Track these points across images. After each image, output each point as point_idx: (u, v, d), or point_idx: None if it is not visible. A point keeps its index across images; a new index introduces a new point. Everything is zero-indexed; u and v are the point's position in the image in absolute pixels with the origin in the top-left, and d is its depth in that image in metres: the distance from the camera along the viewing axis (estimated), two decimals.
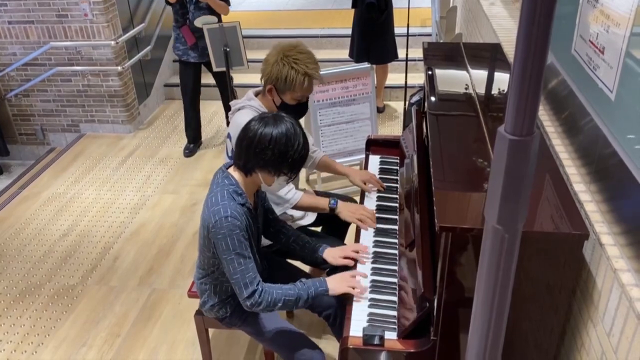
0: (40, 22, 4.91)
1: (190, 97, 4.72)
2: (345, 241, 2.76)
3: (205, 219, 1.90)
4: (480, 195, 1.63)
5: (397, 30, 4.90)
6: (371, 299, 1.93)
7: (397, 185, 2.56)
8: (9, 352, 2.92)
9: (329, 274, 2.49)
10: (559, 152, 1.86)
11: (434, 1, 5.79)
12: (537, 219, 1.51)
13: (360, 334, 1.73)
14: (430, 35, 5.98)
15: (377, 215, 2.35)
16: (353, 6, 4.80)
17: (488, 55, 2.71)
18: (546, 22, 0.66)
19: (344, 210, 2.36)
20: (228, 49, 3.98)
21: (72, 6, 4.81)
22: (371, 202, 2.47)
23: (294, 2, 7.69)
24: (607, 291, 1.39)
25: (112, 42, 4.91)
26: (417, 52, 4.39)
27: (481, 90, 2.24)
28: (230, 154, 2.37)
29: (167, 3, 4.33)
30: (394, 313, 1.85)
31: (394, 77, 5.38)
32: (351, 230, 2.68)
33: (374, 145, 2.86)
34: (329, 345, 2.27)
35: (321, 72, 2.32)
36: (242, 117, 2.29)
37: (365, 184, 2.55)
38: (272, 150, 1.81)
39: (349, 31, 4.97)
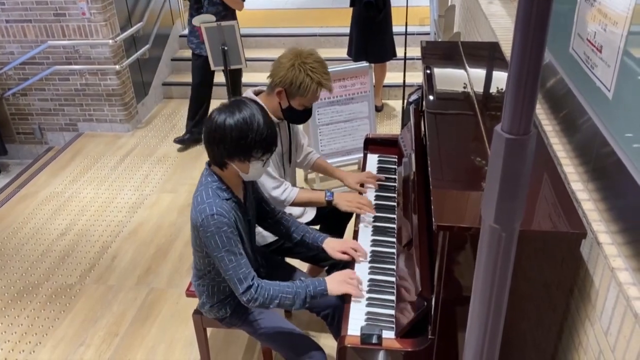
0: (38, 21, 4.90)
1: (197, 89, 4.77)
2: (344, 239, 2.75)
3: (193, 219, 1.90)
4: (478, 194, 1.63)
5: (395, 29, 4.90)
6: (369, 298, 1.93)
7: (395, 184, 2.56)
8: (6, 351, 2.91)
9: (328, 273, 2.50)
10: (556, 150, 1.86)
11: (433, 0, 5.79)
12: (535, 217, 1.51)
13: (358, 333, 1.73)
14: (428, 34, 5.98)
15: (375, 214, 2.35)
16: (351, 5, 4.80)
17: (486, 54, 2.71)
18: (542, 21, 0.66)
19: (341, 201, 2.37)
20: (226, 48, 3.97)
21: (69, 5, 4.80)
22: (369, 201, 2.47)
23: (292, 0, 7.68)
24: (605, 290, 1.39)
25: (110, 41, 4.90)
26: (415, 51, 4.39)
27: (479, 89, 2.24)
28: None
29: None
30: (392, 312, 1.85)
31: (392, 76, 5.38)
32: (349, 229, 2.69)
33: (372, 144, 2.86)
34: (327, 345, 2.28)
35: None
36: None
37: (362, 186, 2.55)
38: (231, 137, 1.79)
39: (348, 30, 4.97)
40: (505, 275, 0.83)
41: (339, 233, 2.76)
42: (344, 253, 2.13)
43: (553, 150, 1.88)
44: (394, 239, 2.21)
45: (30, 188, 4.49)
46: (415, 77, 5.25)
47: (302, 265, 2.63)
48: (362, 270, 2.07)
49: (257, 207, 2.18)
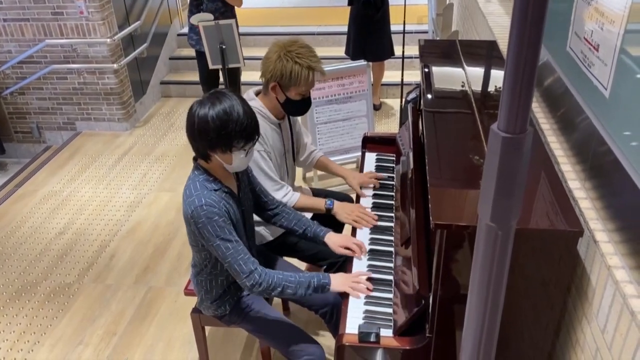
0: (36, 20, 4.89)
1: (206, 84, 4.79)
2: None
3: (184, 213, 1.92)
4: (475, 193, 1.64)
5: (393, 28, 4.90)
6: (367, 297, 1.93)
7: (393, 183, 2.56)
8: (5, 350, 2.91)
9: (326, 271, 2.50)
10: (554, 149, 1.87)
11: None
12: (532, 215, 1.52)
13: (356, 331, 1.74)
14: (426, 32, 5.98)
15: (373, 224, 2.33)
16: (349, 3, 4.79)
17: (484, 53, 2.71)
18: (538, 20, 0.66)
19: (340, 212, 2.37)
20: (224, 47, 3.97)
21: (67, 4, 4.79)
22: (367, 200, 2.47)
23: None
24: (602, 288, 1.39)
25: (108, 40, 4.90)
26: (413, 50, 4.39)
27: (477, 87, 2.25)
28: None
29: None
30: (390, 310, 1.86)
31: (391, 75, 5.38)
32: (347, 228, 2.69)
33: (370, 142, 2.86)
34: (326, 343, 2.28)
35: None
36: None
37: (361, 187, 2.55)
38: (212, 128, 1.79)
39: (346, 28, 4.97)
40: (502, 273, 0.83)
41: (336, 232, 2.76)
42: (346, 248, 2.13)
43: (550, 149, 1.88)
44: (391, 238, 2.21)
45: (28, 187, 4.49)
46: (413, 75, 5.25)
47: (300, 265, 2.63)
48: (360, 268, 2.07)
49: (253, 198, 2.18)
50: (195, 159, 1.97)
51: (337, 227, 2.75)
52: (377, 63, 4.97)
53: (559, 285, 1.57)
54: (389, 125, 5.11)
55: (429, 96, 2.23)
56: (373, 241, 2.21)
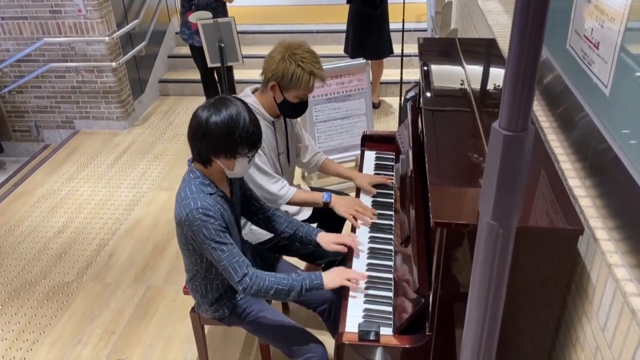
0: (34, 18, 4.88)
1: (205, 78, 4.84)
2: None
3: (177, 215, 1.90)
4: (475, 191, 1.63)
5: (392, 26, 4.89)
6: (366, 295, 1.93)
7: (393, 181, 2.56)
8: (4, 349, 2.91)
9: (324, 270, 2.50)
10: (553, 147, 1.87)
11: None
12: (532, 214, 1.51)
13: (356, 330, 1.73)
14: (425, 30, 5.98)
15: (373, 221, 2.32)
16: (348, 2, 4.79)
17: (483, 51, 2.71)
18: (540, 18, 0.66)
19: (338, 205, 2.36)
20: (223, 45, 3.96)
21: (65, 2, 4.78)
22: (367, 198, 2.47)
23: None
24: (602, 286, 1.39)
25: (106, 38, 4.89)
26: (412, 48, 4.38)
27: (476, 85, 2.24)
28: None
29: None
30: (390, 309, 1.86)
31: (390, 73, 5.38)
32: (347, 226, 2.69)
33: (369, 141, 2.85)
34: (325, 341, 2.28)
35: None
36: None
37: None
38: (217, 135, 1.79)
39: (344, 27, 4.96)
40: (503, 271, 0.83)
41: (336, 231, 2.75)
42: (339, 244, 2.13)
43: (550, 147, 1.88)
44: (391, 236, 2.21)
45: (27, 186, 4.48)
46: (413, 73, 5.25)
47: (298, 264, 2.63)
48: (359, 267, 2.07)
49: (245, 204, 2.18)
50: (190, 162, 1.96)
51: (336, 225, 2.76)
52: (376, 61, 4.97)
53: (559, 283, 1.56)
54: (388, 124, 5.10)
55: (428, 94, 2.23)
56: (372, 239, 2.20)
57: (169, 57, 6.24)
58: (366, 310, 1.86)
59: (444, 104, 2.20)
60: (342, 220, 2.77)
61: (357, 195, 2.50)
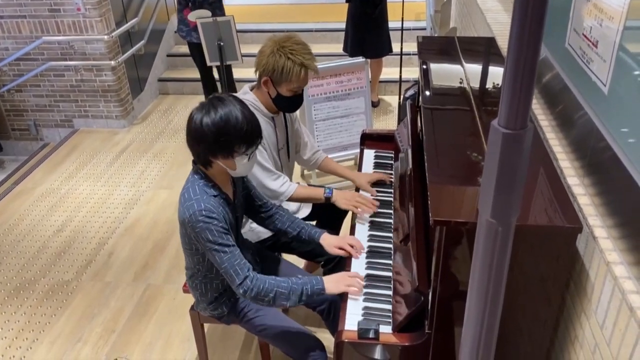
0: (33, 17, 4.87)
1: (204, 74, 4.86)
2: (341, 234, 2.76)
3: (180, 216, 1.89)
4: (474, 189, 1.64)
5: (391, 24, 4.89)
6: (366, 293, 1.93)
7: (392, 180, 2.56)
8: (3, 348, 2.91)
9: (323, 267, 2.50)
10: (552, 145, 1.87)
11: None
12: (531, 212, 1.52)
13: (355, 328, 1.74)
14: (424, 29, 5.98)
15: (375, 211, 2.34)
16: (347, 0, 4.79)
17: (482, 50, 2.71)
18: (539, 16, 0.66)
19: (340, 199, 2.36)
20: (222, 44, 3.96)
21: (64, 0, 4.78)
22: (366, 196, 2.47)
23: None
24: (600, 284, 1.40)
25: (105, 37, 4.88)
26: (411, 46, 4.39)
27: (475, 84, 2.24)
28: None
29: None
30: (389, 307, 1.86)
31: (389, 71, 5.38)
32: (346, 224, 2.69)
33: (368, 139, 2.86)
34: (324, 340, 2.29)
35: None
36: None
37: (373, 185, 2.54)
38: (211, 135, 1.78)
39: (344, 25, 4.96)
40: (502, 269, 0.83)
41: (335, 228, 2.76)
42: (341, 249, 2.13)
43: (549, 145, 1.88)
44: (390, 234, 2.21)
45: (26, 184, 4.48)
46: (412, 72, 5.25)
47: (298, 261, 2.63)
48: (359, 265, 2.07)
49: (247, 203, 2.18)
50: (194, 163, 1.96)
51: (336, 222, 2.76)
52: (375, 60, 4.97)
53: (558, 281, 1.57)
54: (387, 122, 5.10)
55: (428, 93, 2.23)
56: (372, 238, 2.21)
57: (168, 55, 6.24)
58: (365, 308, 1.87)
59: (443, 102, 2.20)
60: (342, 217, 2.78)
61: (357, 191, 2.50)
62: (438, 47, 2.82)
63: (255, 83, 2.40)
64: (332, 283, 1.94)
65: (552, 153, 1.84)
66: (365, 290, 1.95)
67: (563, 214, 1.50)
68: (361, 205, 2.31)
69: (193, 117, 1.82)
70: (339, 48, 5.15)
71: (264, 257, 2.36)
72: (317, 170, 4.10)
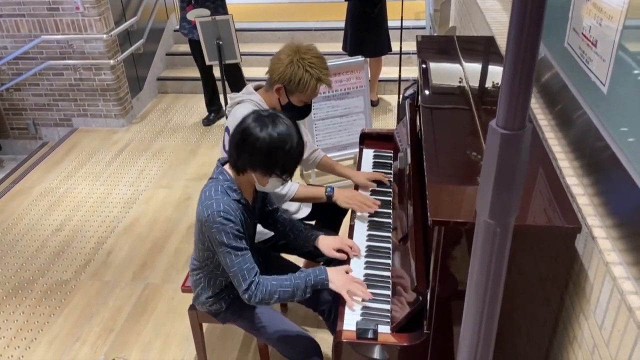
0: (31, 16, 4.86)
1: (204, 72, 4.89)
2: (340, 234, 2.75)
3: (198, 213, 1.89)
4: (473, 189, 1.63)
5: (390, 23, 4.89)
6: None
7: (391, 179, 2.55)
8: (1, 347, 2.91)
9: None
10: (551, 145, 1.87)
11: None
12: (530, 212, 1.51)
13: (354, 328, 1.73)
14: (424, 28, 5.98)
15: (376, 210, 2.33)
16: None
17: (482, 49, 2.70)
18: (537, 16, 0.66)
19: (341, 197, 2.37)
20: (221, 43, 3.95)
21: None
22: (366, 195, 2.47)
23: None
24: (599, 284, 1.39)
25: (104, 36, 4.87)
26: (411, 45, 4.37)
27: (475, 83, 2.24)
28: (227, 148, 2.36)
29: None
30: (388, 307, 1.86)
31: (388, 71, 5.37)
32: (345, 223, 2.69)
33: (367, 139, 2.85)
34: (323, 339, 2.29)
35: None
36: (241, 111, 2.28)
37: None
38: (264, 150, 1.79)
39: (343, 24, 4.96)
40: (500, 270, 0.83)
41: (334, 228, 2.76)
42: (339, 250, 2.13)
43: (548, 145, 1.88)
44: (389, 234, 2.21)
45: (25, 183, 4.48)
46: (411, 71, 5.24)
47: (298, 261, 2.63)
48: (357, 265, 2.07)
49: (262, 209, 2.19)
50: (222, 163, 1.96)
51: (336, 222, 2.76)
52: (374, 59, 4.96)
53: (557, 281, 1.57)
54: (386, 122, 5.10)
55: (427, 92, 2.23)
56: (371, 237, 2.20)
57: (167, 54, 6.23)
58: (364, 308, 1.86)
59: (442, 101, 2.20)
60: (341, 217, 2.78)
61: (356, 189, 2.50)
62: (437, 46, 2.82)
63: (259, 83, 2.40)
64: (339, 281, 1.91)
65: (551, 153, 1.84)
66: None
67: (562, 214, 1.50)
68: (363, 205, 2.31)
69: (249, 125, 1.81)
70: (338, 47, 5.15)
71: (267, 257, 2.37)
72: (316, 170, 4.10)
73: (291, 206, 2.58)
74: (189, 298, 2.29)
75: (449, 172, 1.79)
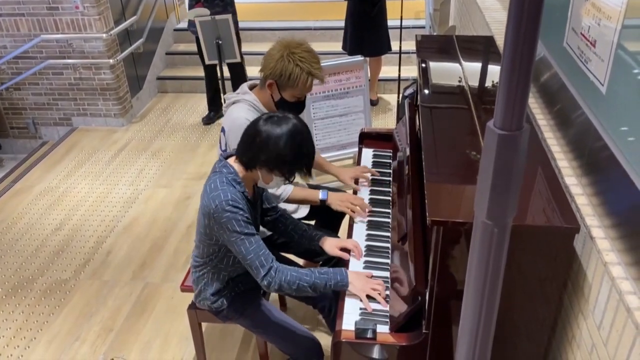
0: (31, 15, 4.86)
1: (208, 71, 4.89)
2: (339, 234, 2.76)
3: (205, 206, 1.88)
4: (472, 189, 1.63)
5: (390, 23, 4.88)
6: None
7: (390, 179, 2.56)
8: (1, 346, 2.91)
9: (322, 267, 2.50)
10: (550, 145, 1.87)
11: None
12: (529, 212, 1.51)
13: (353, 328, 1.74)
14: (423, 27, 5.97)
15: (366, 216, 2.33)
16: None
17: (481, 48, 2.70)
18: (535, 15, 0.66)
19: (334, 201, 2.38)
20: (220, 42, 3.95)
21: None
22: (364, 196, 2.47)
23: None
24: (598, 284, 1.39)
25: (104, 35, 4.87)
26: (410, 45, 4.37)
27: (474, 83, 2.24)
28: (224, 148, 2.36)
29: None
30: (387, 307, 1.86)
31: (388, 70, 5.37)
32: (345, 223, 2.69)
33: (367, 138, 2.86)
34: (322, 338, 2.29)
35: None
36: (236, 111, 2.28)
37: (356, 182, 2.55)
38: (275, 149, 1.81)
39: (343, 24, 4.95)
40: (498, 270, 0.83)
41: (334, 228, 2.76)
42: (343, 249, 2.13)
43: (547, 145, 1.88)
44: (388, 234, 2.21)
45: (25, 183, 4.47)
46: (411, 71, 5.24)
47: (297, 259, 2.63)
48: (356, 264, 2.07)
49: (260, 205, 2.19)
50: (224, 156, 1.97)
51: (335, 222, 2.76)
52: (374, 58, 4.96)
53: (556, 281, 1.57)
54: (386, 121, 5.10)
55: (426, 92, 2.23)
56: (370, 237, 2.21)
57: (167, 54, 6.23)
58: (363, 307, 1.86)
59: (442, 101, 2.20)
60: (341, 217, 2.78)
61: (355, 194, 2.50)
62: (437, 45, 2.82)
63: (253, 82, 2.40)
64: (358, 285, 1.90)
65: (549, 152, 1.84)
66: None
67: (561, 214, 1.50)
68: (354, 208, 2.31)
69: (266, 128, 1.84)
70: (338, 46, 5.15)
71: None
72: (314, 169, 4.10)
73: (289, 206, 2.58)
74: (188, 297, 2.29)
75: (448, 171, 1.79)
